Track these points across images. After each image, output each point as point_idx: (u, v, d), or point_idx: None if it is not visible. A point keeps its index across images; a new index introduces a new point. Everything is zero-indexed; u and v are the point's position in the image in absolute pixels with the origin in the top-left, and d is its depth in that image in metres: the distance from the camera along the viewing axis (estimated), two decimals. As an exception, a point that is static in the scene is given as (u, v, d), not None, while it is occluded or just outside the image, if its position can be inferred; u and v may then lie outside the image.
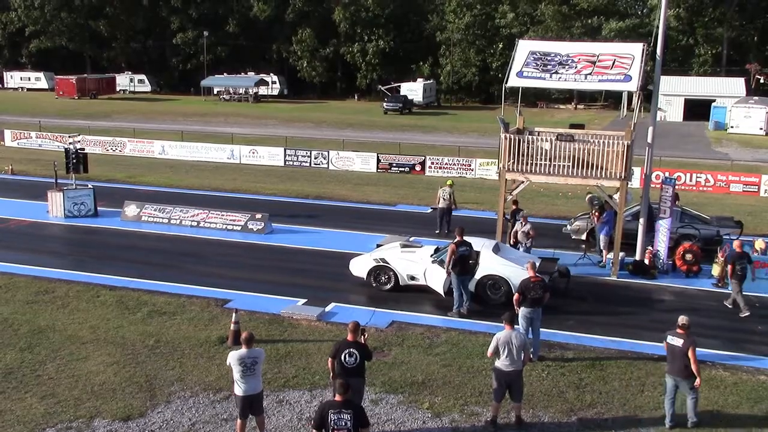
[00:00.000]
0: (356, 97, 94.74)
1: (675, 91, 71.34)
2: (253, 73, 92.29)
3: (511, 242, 20.47)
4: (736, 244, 18.31)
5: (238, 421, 10.93)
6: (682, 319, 11.85)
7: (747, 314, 16.95)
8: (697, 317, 17.09)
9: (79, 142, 27.97)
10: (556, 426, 11.80)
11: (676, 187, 21.77)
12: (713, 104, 68.26)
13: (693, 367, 11.44)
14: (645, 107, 27.26)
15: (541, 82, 20.68)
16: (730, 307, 17.64)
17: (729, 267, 17.50)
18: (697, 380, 11.50)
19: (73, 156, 25.94)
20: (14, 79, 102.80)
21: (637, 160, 21.66)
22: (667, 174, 31.20)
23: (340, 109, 79.88)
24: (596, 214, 21.74)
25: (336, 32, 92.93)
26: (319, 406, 9.67)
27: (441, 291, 17.18)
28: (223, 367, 13.00)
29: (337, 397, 9.25)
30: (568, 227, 23.70)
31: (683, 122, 70.61)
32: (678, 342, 11.66)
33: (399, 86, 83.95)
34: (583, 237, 22.24)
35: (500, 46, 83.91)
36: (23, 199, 28.83)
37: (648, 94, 23.21)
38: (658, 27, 20.34)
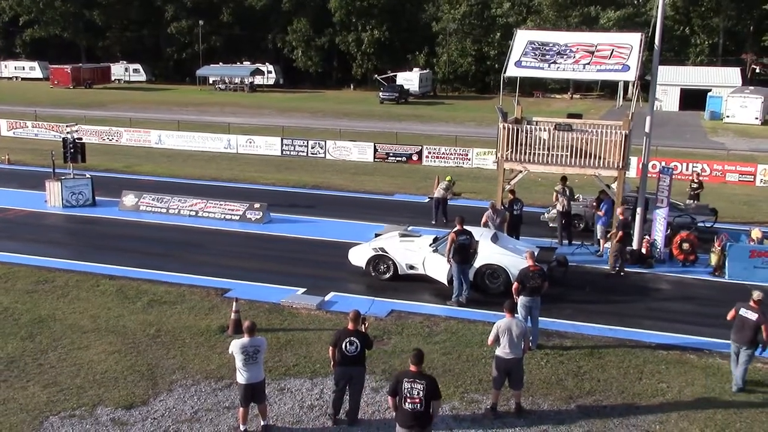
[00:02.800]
0: (352, 87, 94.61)
1: (671, 81, 71.42)
2: (248, 63, 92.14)
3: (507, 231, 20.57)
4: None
5: (240, 409, 11.03)
6: (757, 294, 12.78)
7: None
8: (694, 306, 17.35)
9: (76, 131, 27.92)
10: (555, 413, 11.90)
11: (674, 176, 21.84)
12: (709, 94, 68.36)
13: (765, 336, 12.32)
14: (642, 97, 27.36)
15: (540, 71, 20.74)
16: None
17: None
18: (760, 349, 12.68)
19: (71, 145, 25.92)
20: (8, 68, 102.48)
21: (633, 150, 21.75)
22: (663, 163, 31.32)
23: (336, 99, 79.79)
24: (594, 204, 21.83)
25: (331, 22, 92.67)
26: (394, 374, 10.20)
27: (443, 279, 17.25)
28: (224, 356, 13.08)
29: (412, 368, 9.67)
30: (546, 215, 23.88)
31: (679, 112, 70.76)
32: (752, 315, 12.54)
33: (395, 76, 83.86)
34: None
35: (497, 35, 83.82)
36: (21, 188, 28.81)
37: (645, 83, 23.30)
38: (655, 17, 20.38)
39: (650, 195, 21.38)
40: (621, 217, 19.39)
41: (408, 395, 9.54)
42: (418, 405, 9.55)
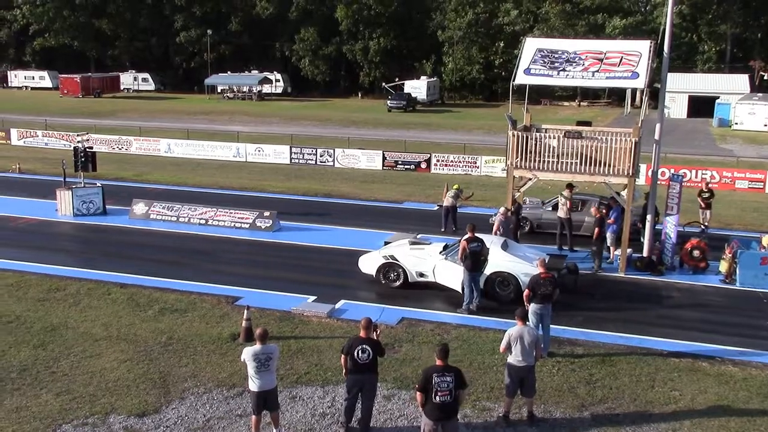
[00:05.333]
0: (359, 95, 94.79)
1: (679, 88, 71.21)
2: (256, 72, 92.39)
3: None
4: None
5: (253, 416, 11.04)
6: None
7: None
8: (705, 313, 17.30)
9: (87, 140, 28.06)
10: (568, 421, 11.88)
11: (683, 184, 21.83)
12: (717, 101, 68.19)
13: None
14: (650, 104, 27.33)
15: (549, 79, 20.71)
16: None
17: None
18: None
19: (82, 154, 26.04)
20: (18, 77, 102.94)
21: (642, 157, 21.71)
22: (672, 170, 31.25)
23: (344, 107, 79.94)
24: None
25: (338, 30, 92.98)
26: (423, 371, 10.37)
27: (453, 286, 17.23)
28: (236, 364, 13.11)
29: (439, 362, 10.12)
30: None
31: (687, 119, 70.58)
32: None
33: (403, 84, 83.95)
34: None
35: (501, 44, 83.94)
36: (31, 197, 28.94)
37: (654, 91, 23.29)
38: (664, 24, 20.39)
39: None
40: (597, 216, 19.99)
41: (438, 389, 9.91)
42: (448, 397, 9.97)
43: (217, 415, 11.86)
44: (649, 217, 20.87)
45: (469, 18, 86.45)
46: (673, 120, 66.50)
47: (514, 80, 20.24)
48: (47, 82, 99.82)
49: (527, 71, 20.44)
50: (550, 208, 23.62)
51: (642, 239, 21.08)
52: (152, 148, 44.58)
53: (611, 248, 20.94)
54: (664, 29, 20.14)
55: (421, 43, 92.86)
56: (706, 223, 24.56)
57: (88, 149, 26.52)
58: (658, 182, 21.98)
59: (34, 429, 11.33)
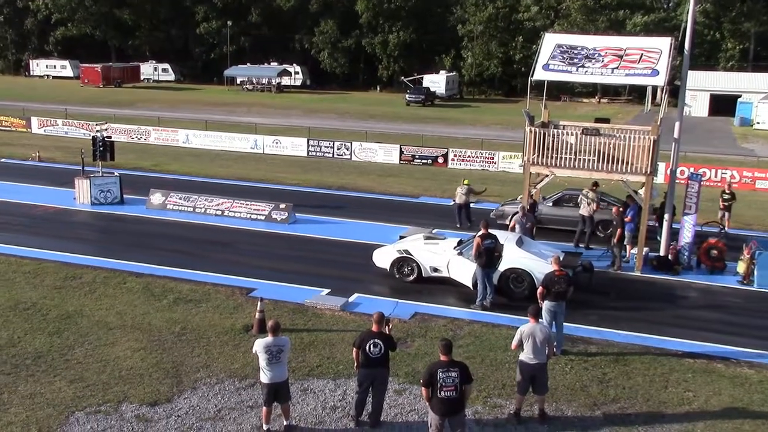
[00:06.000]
0: (378, 89, 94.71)
1: (701, 86, 70.51)
2: (275, 64, 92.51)
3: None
4: None
5: (264, 408, 11.07)
6: None
7: None
8: (722, 314, 17.13)
9: (106, 130, 28.23)
10: (579, 420, 11.81)
11: (702, 183, 21.61)
12: (739, 100, 67.47)
13: None
14: (670, 102, 27.05)
15: (568, 75, 20.51)
16: None
17: None
18: None
19: (100, 144, 26.21)
20: (40, 66, 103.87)
21: (661, 155, 21.54)
22: (692, 169, 30.94)
23: (363, 101, 79.90)
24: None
25: (358, 23, 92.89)
26: (427, 366, 10.33)
27: (467, 282, 17.19)
28: (248, 355, 13.14)
29: (443, 357, 10.05)
30: (493, 212, 24.31)
31: (708, 117, 69.90)
32: None
33: (422, 78, 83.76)
34: (507, 222, 22.50)
35: (520, 39, 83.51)
36: (50, 185, 29.18)
37: (675, 88, 23.05)
38: (686, 21, 20.16)
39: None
40: (617, 215, 19.89)
41: (443, 384, 9.87)
42: (453, 392, 9.93)
43: (229, 406, 11.91)
44: (666, 215, 20.68)
45: (489, 12, 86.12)
46: (693, 118, 65.92)
47: (532, 76, 20.09)
48: (68, 72, 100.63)
49: (546, 67, 20.28)
50: (551, 204, 23.71)
51: (659, 238, 20.90)
52: (171, 139, 44.80)
53: (627, 247, 20.78)
54: (686, 26, 19.91)
55: (440, 37, 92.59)
56: (723, 224, 24.26)
57: (106, 138, 26.68)
58: (677, 181, 21.76)
59: (48, 415, 11.43)
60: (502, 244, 17.06)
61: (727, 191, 24.91)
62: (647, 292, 18.40)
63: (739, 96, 68.08)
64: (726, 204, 24.58)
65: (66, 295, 16.79)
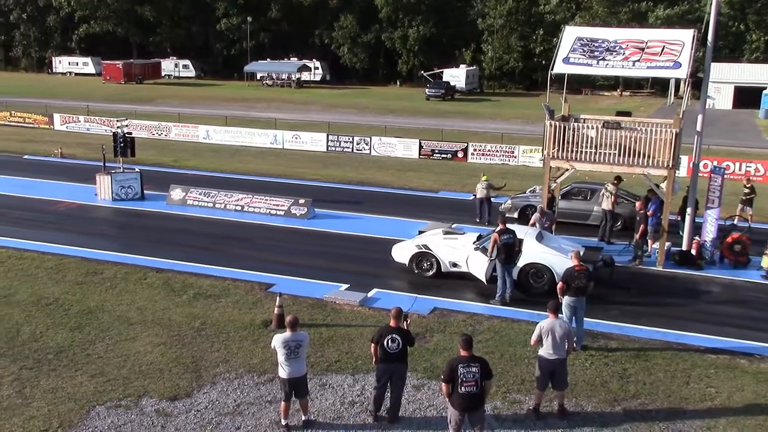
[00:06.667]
0: (398, 83, 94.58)
1: (725, 78, 69.62)
2: (295, 59, 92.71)
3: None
4: None
5: (283, 403, 11.09)
6: None
7: None
8: (745, 309, 16.91)
9: (126, 126, 28.42)
10: (599, 416, 11.72)
11: (726, 176, 21.32)
12: (764, 92, 66.52)
13: None
14: (693, 94, 26.72)
15: (588, 68, 20.33)
16: None
17: None
18: None
19: (121, 140, 26.39)
20: (62, 63, 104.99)
21: (683, 149, 21.29)
22: (715, 163, 30.58)
23: (383, 95, 79.82)
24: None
25: (378, 18, 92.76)
26: (448, 362, 10.31)
27: (483, 278, 17.12)
28: (267, 350, 13.17)
29: (463, 352, 10.06)
30: (503, 206, 24.07)
31: (733, 110, 69.08)
32: None
33: (441, 72, 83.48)
34: (515, 215, 23.11)
35: (541, 32, 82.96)
36: (72, 182, 29.43)
37: (697, 81, 22.77)
38: (709, 12, 19.88)
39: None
40: (641, 210, 19.66)
41: (464, 380, 9.89)
42: (474, 387, 9.94)
43: (247, 401, 11.95)
44: (689, 209, 20.45)
45: (510, 6, 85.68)
46: (717, 111, 65.16)
47: (552, 69, 19.93)
48: (90, 69, 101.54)
49: (566, 60, 20.10)
50: (560, 197, 23.25)
51: (681, 233, 20.68)
52: (191, 135, 45.01)
53: (649, 241, 20.58)
54: (710, 18, 19.63)
55: (460, 31, 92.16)
56: (739, 218, 23.85)
57: (127, 135, 26.86)
58: (700, 174, 21.49)
59: (69, 410, 11.54)
60: (521, 239, 16.98)
61: (746, 185, 24.54)
62: (669, 287, 18.21)
63: (764, 88, 67.12)
64: (747, 198, 24.20)
65: (87, 290, 16.94)
